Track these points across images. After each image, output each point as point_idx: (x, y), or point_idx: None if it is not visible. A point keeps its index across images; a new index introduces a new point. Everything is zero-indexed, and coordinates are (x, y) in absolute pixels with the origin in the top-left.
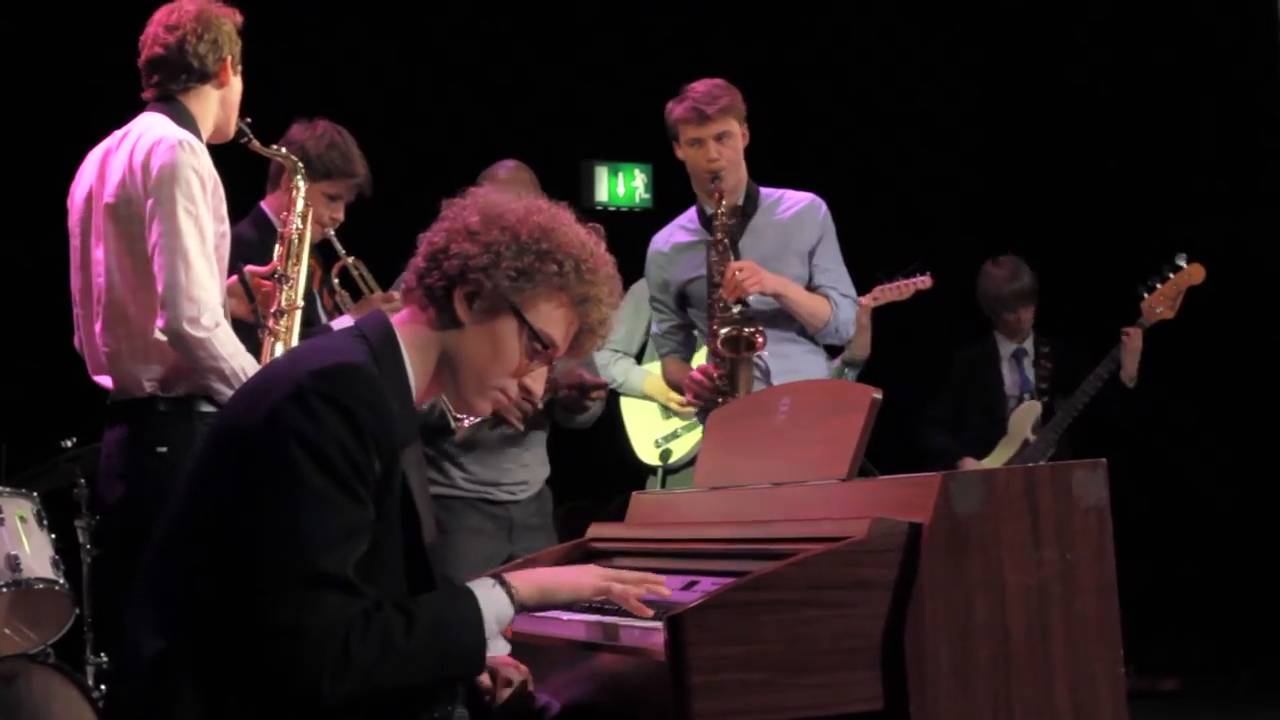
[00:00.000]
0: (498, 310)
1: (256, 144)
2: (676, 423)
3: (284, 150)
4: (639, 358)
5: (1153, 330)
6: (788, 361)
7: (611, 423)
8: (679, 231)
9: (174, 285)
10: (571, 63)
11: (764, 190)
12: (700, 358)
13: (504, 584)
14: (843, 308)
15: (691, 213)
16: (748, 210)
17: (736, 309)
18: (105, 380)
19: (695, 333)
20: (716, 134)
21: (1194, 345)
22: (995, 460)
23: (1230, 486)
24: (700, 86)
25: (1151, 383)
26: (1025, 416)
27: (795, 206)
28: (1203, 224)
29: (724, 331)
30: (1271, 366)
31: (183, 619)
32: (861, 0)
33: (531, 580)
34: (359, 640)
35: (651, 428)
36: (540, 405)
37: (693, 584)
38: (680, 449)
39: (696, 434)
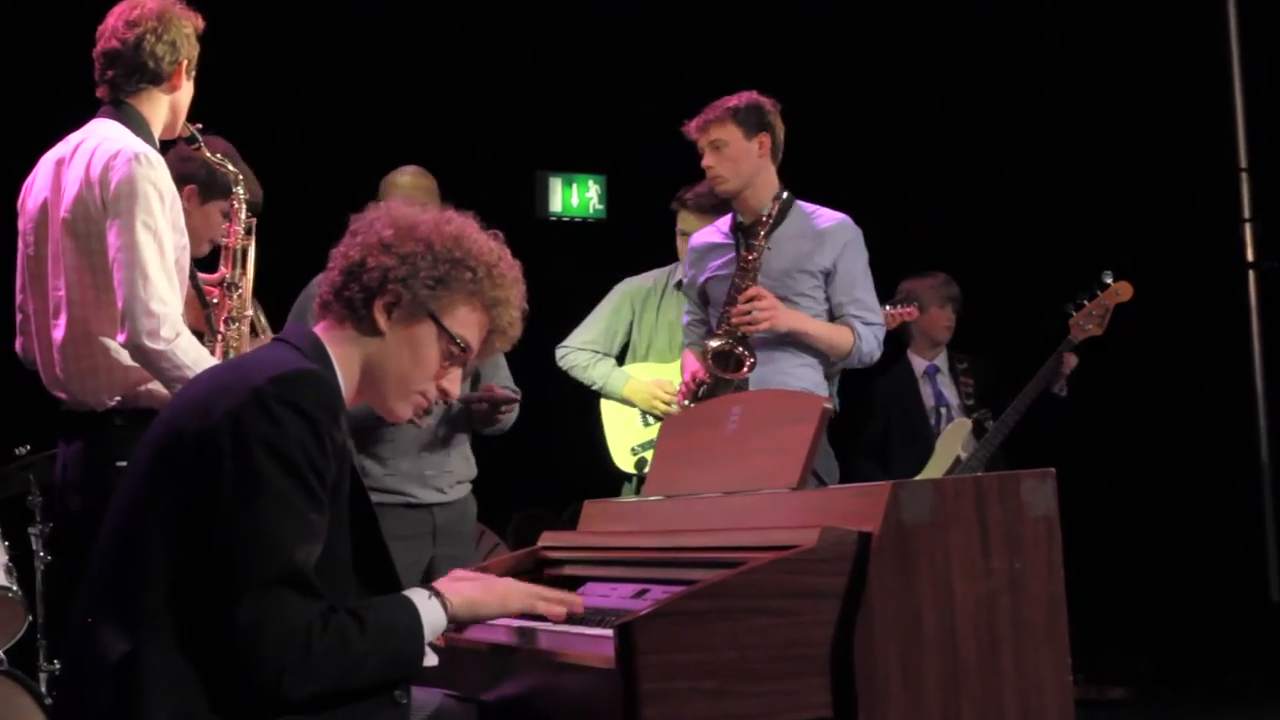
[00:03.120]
0: (416, 318)
1: (206, 151)
2: (655, 431)
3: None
4: (620, 359)
5: (1085, 344)
6: (771, 365)
7: (568, 433)
8: (714, 232)
9: (133, 299)
10: (526, 73)
11: (801, 204)
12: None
13: (439, 596)
14: (865, 338)
15: (730, 216)
16: (773, 221)
17: (739, 331)
18: (61, 394)
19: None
20: (709, 141)
21: (1139, 356)
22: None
23: (1179, 496)
24: (719, 100)
25: (1082, 393)
26: (955, 434)
27: (823, 224)
28: (1165, 246)
29: (714, 345)
30: (1218, 381)
31: (146, 622)
32: (809, 23)
33: (462, 594)
34: (319, 640)
35: (629, 435)
36: (455, 404)
37: (643, 592)
38: None
39: None
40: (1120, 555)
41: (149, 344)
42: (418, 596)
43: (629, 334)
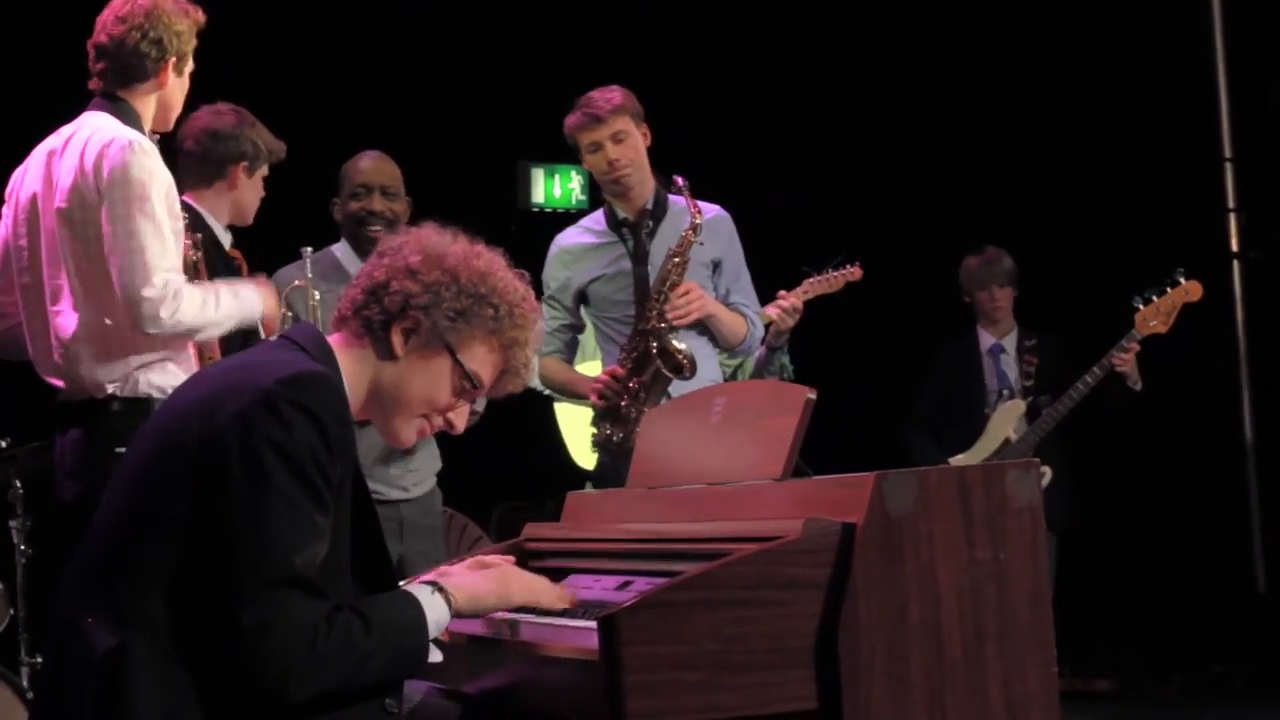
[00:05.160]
0: (433, 348)
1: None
2: None
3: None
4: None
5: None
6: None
7: (548, 426)
8: (586, 233)
9: (130, 286)
10: (508, 64)
11: (671, 196)
12: (593, 364)
13: (442, 591)
14: (757, 325)
15: (599, 215)
16: (656, 214)
17: (665, 327)
18: (58, 381)
19: (580, 336)
20: (611, 134)
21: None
22: (971, 459)
23: (1165, 486)
24: (592, 93)
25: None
26: (1008, 415)
27: (704, 216)
28: (1150, 236)
29: (681, 347)
30: (1202, 372)
31: (136, 618)
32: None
33: (465, 588)
34: (324, 641)
35: (586, 431)
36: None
37: (627, 584)
38: None
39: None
40: (1105, 547)
41: (151, 330)
42: (421, 592)
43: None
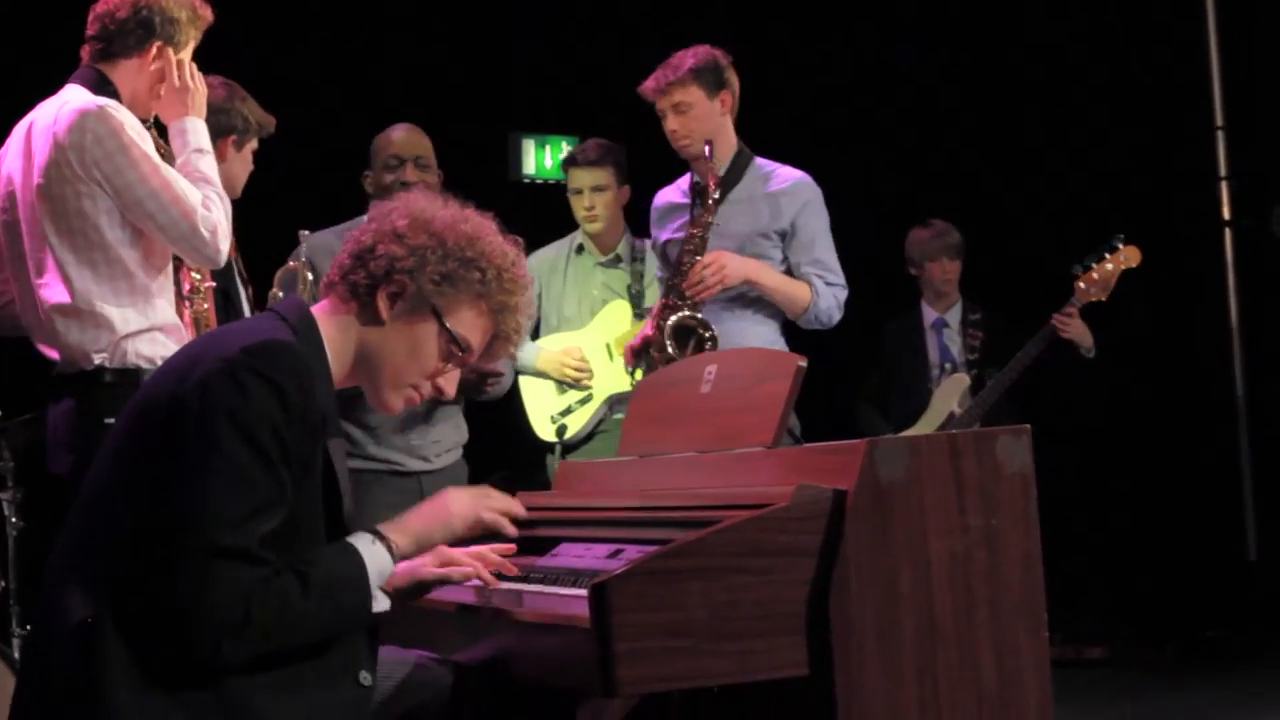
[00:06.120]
0: (419, 312)
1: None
2: (572, 397)
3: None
4: (533, 334)
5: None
6: (724, 325)
7: (509, 400)
8: (675, 191)
9: (181, 232)
10: (499, 34)
11: (760, 161)
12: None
13: (383, 539)
14: (824, 296)
15: (689, 175)
16: (730, 181)
17: (689, 304)
18: (52, 352)
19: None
20: (673, 104)
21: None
22: (916, 433)
23: (1157, 455)
24: (672, 58)
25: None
26: (951, 389)
27: (781, 184)
28: (1141, 204)
29: (674, 320)
30: (1194, 341)
31: (109, 587)
32: None
33: (405, 530)
34: (259, 605)
35: (547, 404)
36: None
37: (618, 552)
38: (576, 423)
39: (592, 408)
40: (1098, 514)
41: (222, 255)
42: (361, 542)
43: (538, 308)
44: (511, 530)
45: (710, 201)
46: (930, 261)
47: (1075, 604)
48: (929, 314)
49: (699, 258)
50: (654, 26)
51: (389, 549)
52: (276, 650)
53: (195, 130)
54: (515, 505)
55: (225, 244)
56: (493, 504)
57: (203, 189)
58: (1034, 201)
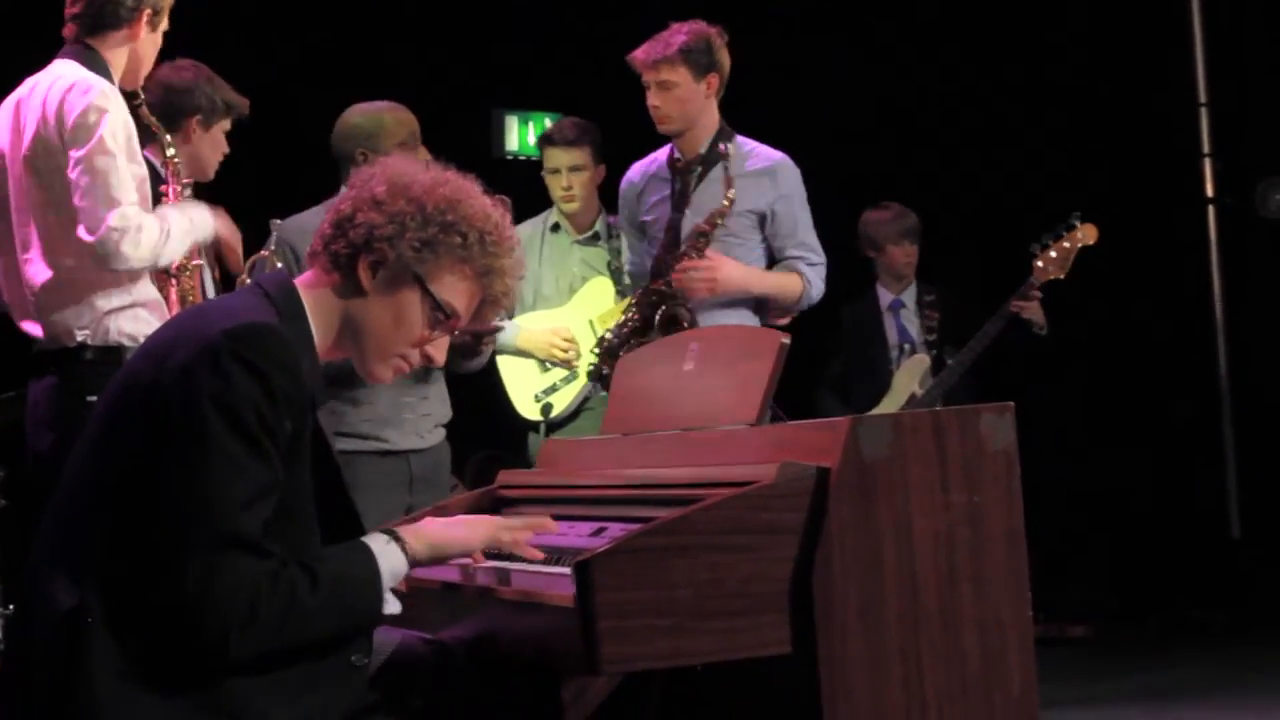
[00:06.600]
0: (401, 280)
1: (145, 110)
2: (556, 375)
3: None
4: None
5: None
6: (708, 318)
7: (490, 379)
8: (651, 163)
9: (93, 221)
10: (482, 10)
11: (740, 139)
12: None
13: (398, 540)
14: (813, 282)
15: (670, 148)
16: (707, 162)
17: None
18: (34, 328)
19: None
20: (658, 81)
21: (1097, 293)
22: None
23: (1140, 431)
24: (666, 30)
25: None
26: (912, 370)
27: (758, 165)
28: (1125, 181)
29: (669, 311)
30: (1177, 317)
31: (94, 574)
32: None
33: (424, 536)
34: (265, 601)
35: (530, 383)
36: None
37: (601, 530)
38: (561, 402)
39: (576, 386)
40: (1081, 492)
41: (117, 266)
42: (375, 542)
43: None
44: (535, 554)
45: (690, 189)
46: (892, 245)
47: (1058, 582)
48: (885, 296)
49: (697, 256)
50: (638, 1)
51: (404, 550)
52: (283, 648)
53: (195, 212)
54: (539, 522)
55: (133, 254)
56: (513, 525)
57: (154, 212)
58: (1013, 180)
